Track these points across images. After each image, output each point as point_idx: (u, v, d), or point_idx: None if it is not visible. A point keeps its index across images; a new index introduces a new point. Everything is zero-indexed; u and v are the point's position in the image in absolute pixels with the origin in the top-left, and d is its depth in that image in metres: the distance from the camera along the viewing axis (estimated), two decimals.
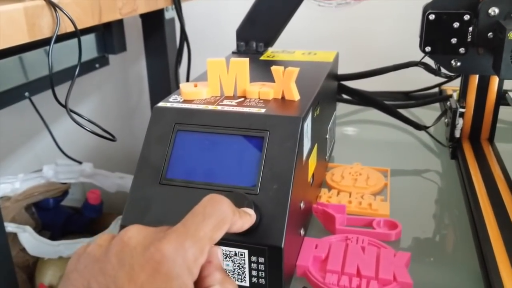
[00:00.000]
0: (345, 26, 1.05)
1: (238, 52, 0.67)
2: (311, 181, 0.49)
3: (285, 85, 0.46)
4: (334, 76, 0.66)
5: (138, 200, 0.40)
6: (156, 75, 1.16)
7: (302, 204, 0.44)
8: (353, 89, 0.72)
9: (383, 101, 0.70)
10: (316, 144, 0.51)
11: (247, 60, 0.47)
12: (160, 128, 0.44)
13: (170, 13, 1.14)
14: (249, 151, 0.42)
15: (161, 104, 0.46)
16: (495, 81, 0.59)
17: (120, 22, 1.03)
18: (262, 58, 0.64)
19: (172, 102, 0.46)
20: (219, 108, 0.44)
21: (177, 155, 0.43)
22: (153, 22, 1.10)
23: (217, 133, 0.43)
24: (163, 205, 0.40)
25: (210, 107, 0.45)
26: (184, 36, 1.03)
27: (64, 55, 0.82)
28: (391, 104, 0.77)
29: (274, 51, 0.67)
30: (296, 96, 0.46)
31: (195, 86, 0.49)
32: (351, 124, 0.78)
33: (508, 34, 0.48)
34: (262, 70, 0.60)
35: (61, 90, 0.66)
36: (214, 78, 0.47)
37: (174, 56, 1.15)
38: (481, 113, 0.60)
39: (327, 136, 0.60)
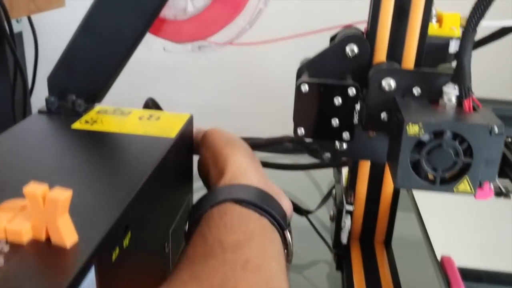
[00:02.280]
0: (208, 73, 0.84)
1: (48, 112, 0.46)
2: None
3: (49, 220, 0.27)
4: (187, 149, 0.48)
5: None
6: None
7: None
8: None
9: None
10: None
11: None
12: None
13: (17, 27, 0.90)
14: None
15: None
16: None
17: None
18: (76, 125, 0.44)
19: None
20: None
21: None
22: None
23: None
24: None
25: None
26: (16, 61, 0.79)
27: None
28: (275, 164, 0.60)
29: (102, 111, 0.47)
30: (68, 238, 0.27)
31: None
32: None
33: (407, 127, 0.32)
34: (66, 153, 0.40)
35: None
36: None
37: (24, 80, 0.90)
38: (375, 210, 0.45)
39: (167, 247, 0.42)
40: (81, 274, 0.26)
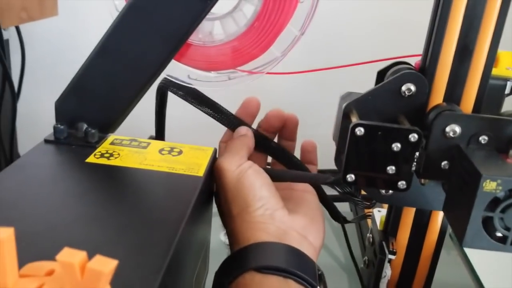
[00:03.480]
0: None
1: (56, 141, 0.42)
2: None
3: None
4: (212, 186, 0.44)
5: None
6: None
7: None
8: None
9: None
10: None
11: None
12: None
13: (4, 34, 0.84)
14: None
15: None
16: (438, 215, 0.41)
17: None
18: (91, 158, 0.39)
19: None
20: None
21: None
22: None
23: None
24: None
25: None
26: (5, 71, 0.73)
27: None
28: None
29: (117, 142, 0.43)
30: None
31: None
32: None
33: (484, 183, 0.29)
34: (84, 194, 0.35)
35: None
36: None
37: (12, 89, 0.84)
38: (416, 259, 0.41)
39: None
40: None
